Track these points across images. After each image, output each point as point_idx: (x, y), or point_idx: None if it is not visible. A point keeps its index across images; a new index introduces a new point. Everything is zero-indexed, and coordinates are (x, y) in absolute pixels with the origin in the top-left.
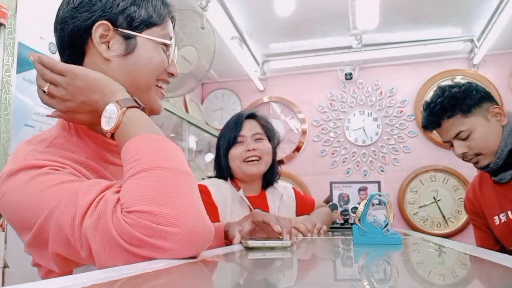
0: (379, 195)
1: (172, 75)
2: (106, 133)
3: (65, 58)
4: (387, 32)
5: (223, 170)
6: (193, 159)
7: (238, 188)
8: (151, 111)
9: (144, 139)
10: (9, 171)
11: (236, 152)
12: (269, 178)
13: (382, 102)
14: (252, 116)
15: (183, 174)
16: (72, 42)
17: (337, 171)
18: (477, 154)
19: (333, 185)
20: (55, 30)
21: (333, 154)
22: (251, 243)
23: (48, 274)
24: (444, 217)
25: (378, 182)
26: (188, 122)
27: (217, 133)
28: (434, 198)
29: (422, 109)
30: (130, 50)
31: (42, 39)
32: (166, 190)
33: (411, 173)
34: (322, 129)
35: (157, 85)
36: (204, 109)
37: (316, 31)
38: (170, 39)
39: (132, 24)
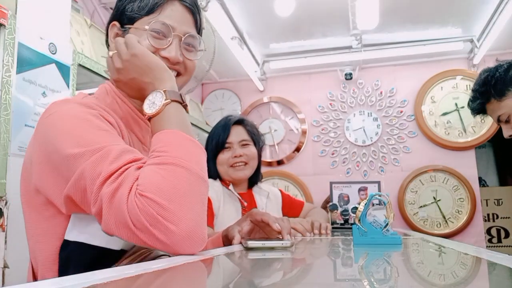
0: (379, 195)
1: (168, 59)
2: (145, 115)
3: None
4: (387, 32)
5: (210, 171)
6: None
7: (227, 185)
8: None
9: (177, 135)
10: (64, 100)
11: (223, 158)
12: (254, 179)
13: (382, 102)
14: (239, 122)
15: (200, 180)
16: (107, 44)
17: (337, 171)
18: None
19: (333, 185)
20: None
21: (333, 154)
22: (251, 243)
23: (40, 235)
24: (444, 217)
25: (378, 182)
26: None
27: None
28: (434, 198)
29: None
30: None
31: (42, 39)
32: (180, 190)
33: (411, 173)
34: (322, 129)
35: None
36: (204, 109)
37: (316, 31)
38: (163, 25)
39: (129, 18)
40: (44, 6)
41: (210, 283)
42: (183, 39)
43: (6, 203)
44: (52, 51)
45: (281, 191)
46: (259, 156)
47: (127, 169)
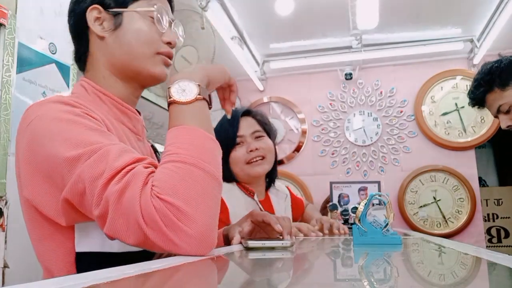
0: (379, 195)
1: (170, 43)
2: (170, 97)
3: (77, 48)
4: (387, 32)
5: (223, 174)
6: None
7: (249, 193)
8: (155, 79)
9: (198, 133)
10: (40, 103)
11: (237, 155)
12: (273, 177)
13: (382, 102)
14: (247, 113)
15: (216, 182)
16: (76, 31)
17: (337, 171)
18: None
19: (333, 185)
20: (69, 27)
21: (333, 154)
22: (251, 243)
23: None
24: (444, 217)
25: (378, 182)
26: None
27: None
28: (434, 198)
29: None
30: (118, 24)
31: (42, 39)
32: (197, 192)
33: (411, 173)
34: (322, 129)
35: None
36: None
37: (316, 31)
38: (163, 9)
39: (118, 1)
40: (44, 6)
41: (210, 283)
42: (172, 24)
43: (6, 203)
44: (52, 51)
45: (288, 188)
46: (275, 149)
47: (133, 168)
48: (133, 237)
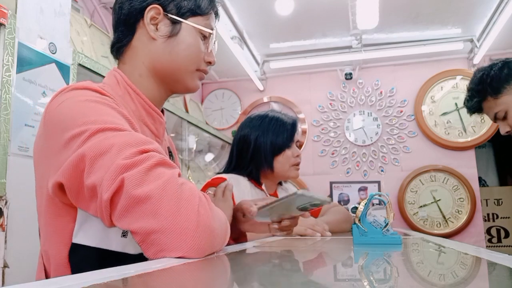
0: (379, 195)
1: (210, 63)
2: None
3: (118, 34)
4: (387, 32)
5: (253, 166)
6: (193, 159)
7: (257, 185)
8: (188, 90)
9: None
10: (74, 86)
11: (288, 155)
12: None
13: (382, 102)
14: None
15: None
16: (127, 20)
17: (337, 171)
18: None
19: (333, 185)
20: (114, 9)
21: (333, 154)
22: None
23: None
24: (444, 217)
25: (378, 182)
26: (188, 122)
27: (217, 133)
28: (434, 198)
29: None
30: (174, 33)
31: (42, 39)
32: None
33: (411, 173)
34: (322, 129)
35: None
36: (204, 109)
37: (316, 31)
38: (212, 30)
39: (180, 11)
40: (44, 5)
41: (210, 283)
42: (216, 43)
43: (6, 202)
44: (52, 50)
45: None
46: None
47: (164, 158)
48: (165, 210)
